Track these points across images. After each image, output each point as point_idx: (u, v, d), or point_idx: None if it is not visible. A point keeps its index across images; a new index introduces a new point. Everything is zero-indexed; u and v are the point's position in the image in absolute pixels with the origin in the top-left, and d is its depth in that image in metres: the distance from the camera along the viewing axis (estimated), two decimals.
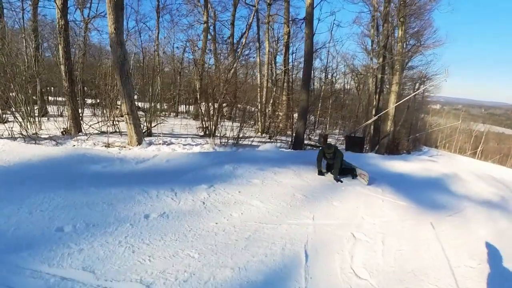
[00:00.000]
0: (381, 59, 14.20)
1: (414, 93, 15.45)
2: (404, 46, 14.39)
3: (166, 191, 3.48)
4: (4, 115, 9.13)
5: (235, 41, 17.06)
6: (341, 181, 4.93)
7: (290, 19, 14.88)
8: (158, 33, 16.90)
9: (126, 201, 3.16)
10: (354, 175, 5.19)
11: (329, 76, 21.61)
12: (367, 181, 4.91)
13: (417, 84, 20.59)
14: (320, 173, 5.20)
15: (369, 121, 12.78)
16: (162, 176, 4.13)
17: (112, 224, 2.68)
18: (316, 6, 9.27)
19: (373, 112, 14.42)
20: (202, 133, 9.56)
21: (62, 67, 8.10)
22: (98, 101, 13.54)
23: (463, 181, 6.61)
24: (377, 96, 14.62)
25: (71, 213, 2.81)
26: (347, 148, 9.37)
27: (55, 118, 10.10)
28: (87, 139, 7.07)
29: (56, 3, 7.69)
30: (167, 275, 2.02)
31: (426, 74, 17.94)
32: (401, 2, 12.97)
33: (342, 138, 14.61)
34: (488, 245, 3.26)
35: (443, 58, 74.39)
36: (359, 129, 14.68)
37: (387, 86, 15.08)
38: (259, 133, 12.16)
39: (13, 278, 1.91)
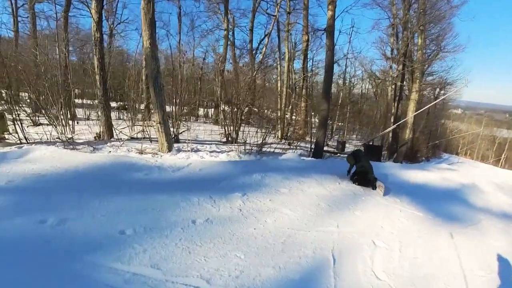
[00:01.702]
0: (400, 67, 14.28)
1: (435, 102, 15.34)
2: (424, 52, 14.41)
3: (205, 198, 3.93)
4: (37, 119, 10.01)
5: (253, 46, 17.61)
6: (374, 189, 5.37)
7: (309, 27, 15.23)
8: (180, 39, 17.71)
9: (172, 207, 3.60)
10: (374, 186, 5.47)
11: (347, 82, 21.77)
12: (382, 192, 5.18)
13: (437, 90, 20.39)
14: (349, 173, 5.88)
15: (387, 130, 12.90)
16: (198, 184, 4.60)
17: (165, 228, 3.09)
18: (337, 18, 9.57)
19: (392, 120, 14.51)
20: (224, 139, 10.07)
21: (97, 77, 8.74)
22: (122, 103, 14.44)
23: (482, 193, 6.71)
24: (395, 104, 14.69)
25: (128, 218, 3.21)
26: None
27: (84, 121, 10.91)
28: (121, 145, 7.63)
29: (92, 18, 8.39)
30: (221, 272, 2.46)
31: (447, 80, 17.83)
32: (421, 10, 13.03)
33: (360, 144, 14.74)
34: (501, 257, 3.49)
35: (464, 62, 72.12)
36: (377, 137, 14.77)
37: (406, 93, 15.12)
38: (278, 139, 12.55)
39: (96, 274, 2.28)
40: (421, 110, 12.48)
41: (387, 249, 3.22)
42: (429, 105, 13.68)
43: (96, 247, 2.65)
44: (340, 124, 19.84)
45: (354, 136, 20.42)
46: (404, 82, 14.58)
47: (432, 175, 7.72)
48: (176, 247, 2.77)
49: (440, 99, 16.83)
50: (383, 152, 12.98)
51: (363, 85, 25.09)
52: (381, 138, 15.42)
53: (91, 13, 8.42)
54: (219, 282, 2.34)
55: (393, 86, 15.07)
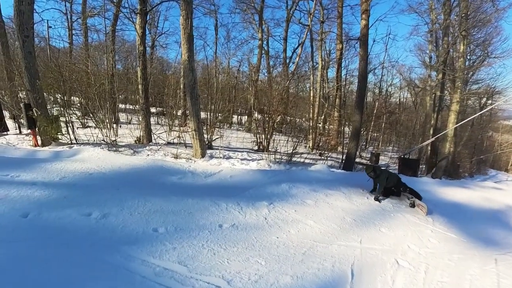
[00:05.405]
0: (440, 75, 13.53)
1: (480, 113, 14.30)
2: (468, 58, 13.52)
3: (233, 204, 4.16)
4: (85, 121, 11.02)
5: (287, 55, 17.79)
6: (379, 201, 5.24)
7: (343, 36, 15.05)
8: (216, 49, 18.44)
9: (202, 211, 3.88)
10: (412, 205, 5.25)
11: (384, 91, 21.06)
12: (425, 213, 4.93)
13: (483, 99, 18.79)
14: (374, 191, 5.67)
15: (425, 143, 12.25)
16: (228, 190, 4.84)
17: (194, 229, 3.37)
18: (371, 27, 9.39)
19: (431, 132, 13.78)
20: (256, 148, 10.29)
21: (140, 86, 9.48)
22: (161, 109, 15.39)
23: None
24: (435, 115, 13.93)
25: (161, 218, 3.55)
26: (400, 171, 9.24)
27: (126, 125, 11.81)
28: (158, 150, 8.17)
29: (137, 32, 9.14)
30: (242, 275, 2.63)
31: (495, 88, 16.40)
32: (463, 14, 12.20)
33: (396, 156, 14.14)
34: None
35: None
36: (414, 150, 14.07)
37: (447, 104, 14.27)
38: (310, 149, 12.49)
39: (130, 264, 2.58)
40: (463, 121, 11.63)
41: (411, 270, 3.13)
42: (473, 116, 12.74)
43: (132, 241, 2.99)
44: (375, 134, 19.17)
45: (390, 147, 19.55)
46: (445, 92, 13.78)
47: (473, 193, 7.22)
48: (202, 248, 3.01)
49: (486, 109, 15.58)
50: (420, 166, 12.33)
51: (401, 94, 24.02)
52: (418, 151, 14.65)
53: (135, 28, 9.20)
54: (239, 284, 2.51)
55: (432, 96, 14.30)
